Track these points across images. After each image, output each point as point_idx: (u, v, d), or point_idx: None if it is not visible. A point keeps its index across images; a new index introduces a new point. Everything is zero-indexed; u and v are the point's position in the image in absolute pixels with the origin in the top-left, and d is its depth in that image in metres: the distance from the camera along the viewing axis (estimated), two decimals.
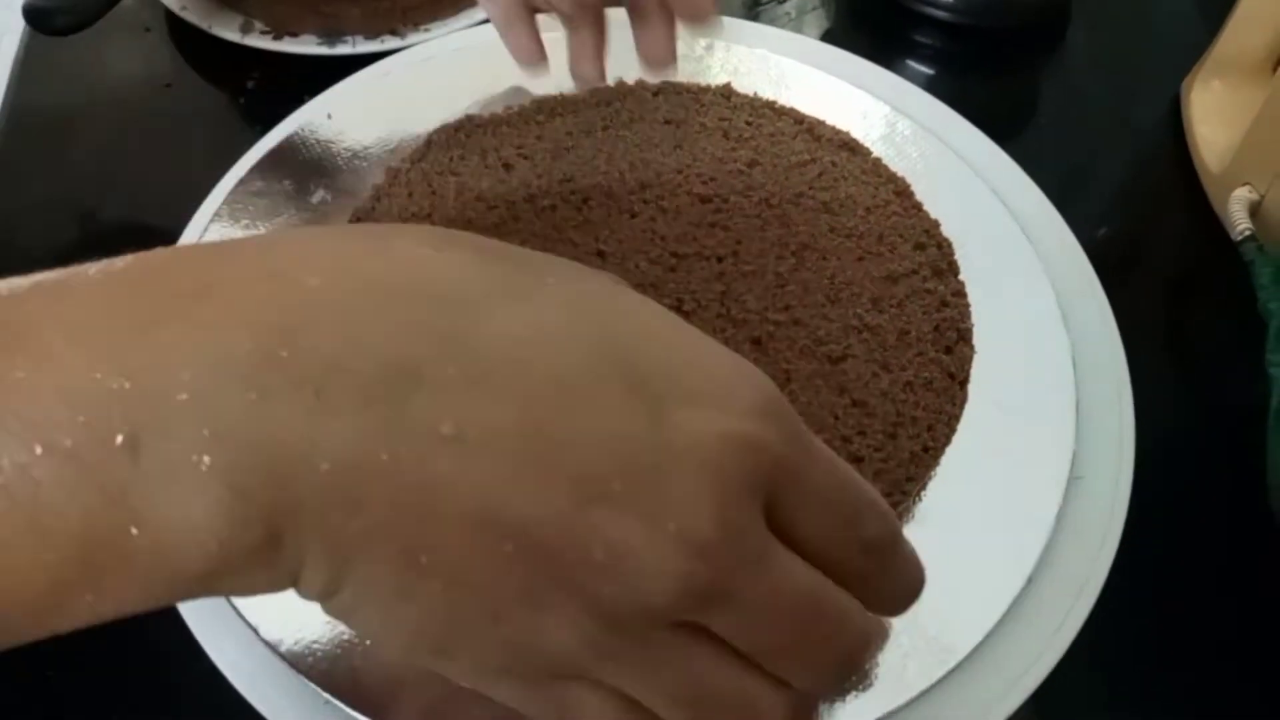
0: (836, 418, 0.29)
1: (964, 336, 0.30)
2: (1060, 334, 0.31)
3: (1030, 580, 0.27)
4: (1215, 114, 0.47)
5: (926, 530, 0.28)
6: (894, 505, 0.28)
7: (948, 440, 0.29)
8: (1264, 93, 0.41)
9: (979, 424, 0.30)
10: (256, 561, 0.16)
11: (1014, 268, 0.33)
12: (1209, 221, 0.46)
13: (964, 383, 0.29)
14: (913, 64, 0.55)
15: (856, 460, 0.28)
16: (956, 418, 0.29)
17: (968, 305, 0.30)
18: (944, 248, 0.31)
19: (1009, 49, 0.56)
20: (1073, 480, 0.28)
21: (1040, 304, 0.32)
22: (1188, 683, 0.35)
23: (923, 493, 0.29)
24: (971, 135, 0.39)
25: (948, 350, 0.30)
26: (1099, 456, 0.30)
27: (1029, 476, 0.29)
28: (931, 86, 0.51)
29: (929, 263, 0.31)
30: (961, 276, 0.31)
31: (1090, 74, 0.55)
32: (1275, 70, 0.41)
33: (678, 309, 0.31)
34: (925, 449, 0.29)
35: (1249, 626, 0.36)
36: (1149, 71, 0.54)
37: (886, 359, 0.30)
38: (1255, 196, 0.42)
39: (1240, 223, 0.42)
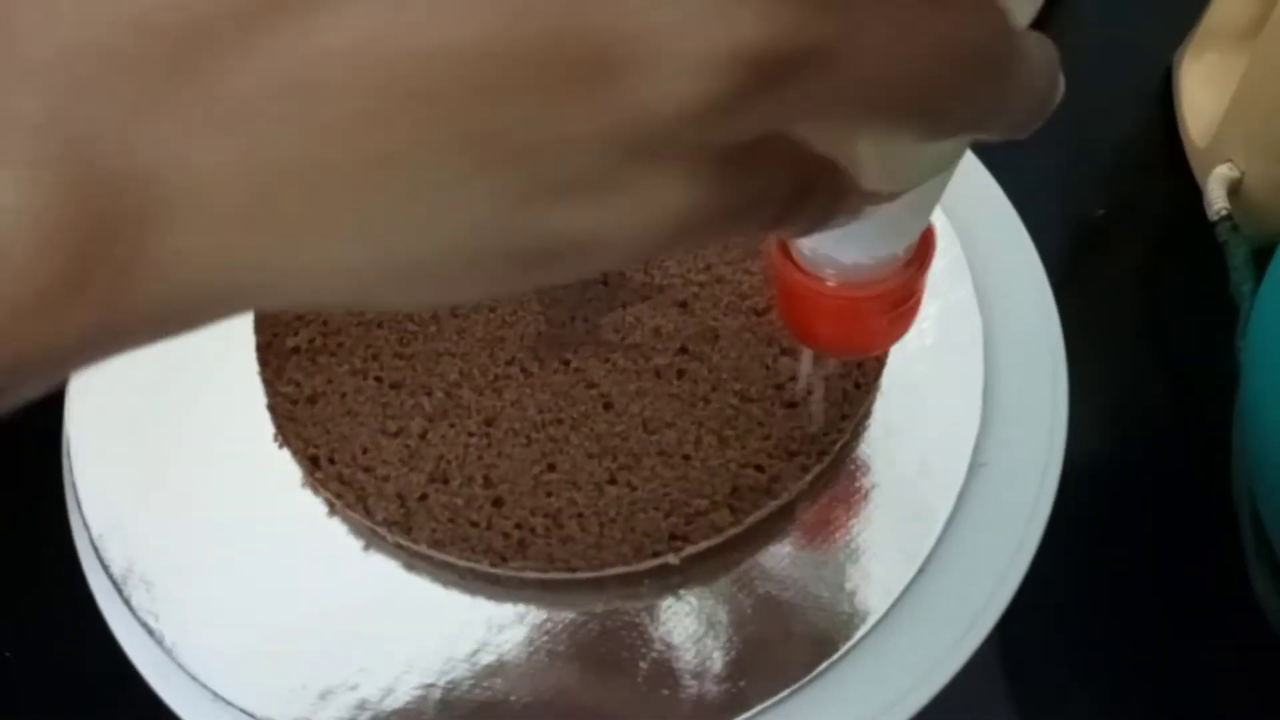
0: (768, 367, 0.30)
1: None
2: (974, 319, 0.31)
3: (922, 570, 0.27)
4: (1205, 87, 0.45)
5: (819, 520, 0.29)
6: (832, 443, 0.29)
7: (877, 375, 0.30)
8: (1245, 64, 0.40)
9: (883, 411, 0.30)
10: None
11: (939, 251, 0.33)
12: (1196, 199, 0.44)
13: None
14: None
15: (791, 405, 0.29)
16: (884, 351, 0.29)
17: None
18: None
19: None
20: (977, 466, 0.28)
21: (959, 290, 0.32)
22: (1144, 669, 0.34)
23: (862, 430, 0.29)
24: None
25: None
26: (1023, 444, 0.30)
27: (930, 464, 0.29)
28: None
29: None
30: None
31: (1084, 47, 0.53)
32: (1257, 39, 0.39)
33: (601, 282, 0.32)
34: (857, 385, 0.29)
35: (1218, 612, 0.35)
36: (1144, 43, 0.52)
37: None
38: (1235, 174, 0.40)
39: (1217, 202, 0.40)
